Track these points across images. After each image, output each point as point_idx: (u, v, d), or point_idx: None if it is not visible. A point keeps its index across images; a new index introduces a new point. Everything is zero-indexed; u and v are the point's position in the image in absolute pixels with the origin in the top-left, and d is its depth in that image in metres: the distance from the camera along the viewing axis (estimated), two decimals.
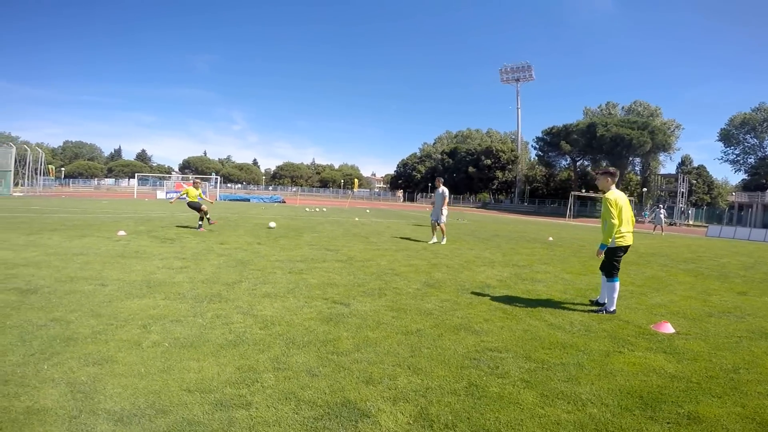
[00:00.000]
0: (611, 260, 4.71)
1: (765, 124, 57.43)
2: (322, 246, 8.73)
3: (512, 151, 69.27)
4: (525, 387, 2.71)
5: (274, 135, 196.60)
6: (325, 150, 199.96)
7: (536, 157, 72.20)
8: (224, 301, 4.17)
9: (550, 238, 15.23)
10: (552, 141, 61.49)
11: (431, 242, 10.58)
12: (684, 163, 64.28)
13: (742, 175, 63.36)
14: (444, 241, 10.57)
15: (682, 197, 52.04)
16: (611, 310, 4.70)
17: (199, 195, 11.19)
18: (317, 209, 28.03)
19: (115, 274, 5.07)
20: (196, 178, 12.77)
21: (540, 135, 64.58)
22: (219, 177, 49.85)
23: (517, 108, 70.99)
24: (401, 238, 11.68)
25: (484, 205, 69.36)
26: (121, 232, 8.97)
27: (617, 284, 4.71)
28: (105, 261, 5.88)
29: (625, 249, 4.76)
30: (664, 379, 2.95)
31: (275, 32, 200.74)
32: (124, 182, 77.78)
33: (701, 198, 60.21)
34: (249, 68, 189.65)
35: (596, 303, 5.06)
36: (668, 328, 4.19)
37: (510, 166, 68.97)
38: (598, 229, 25.76)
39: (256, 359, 2.81)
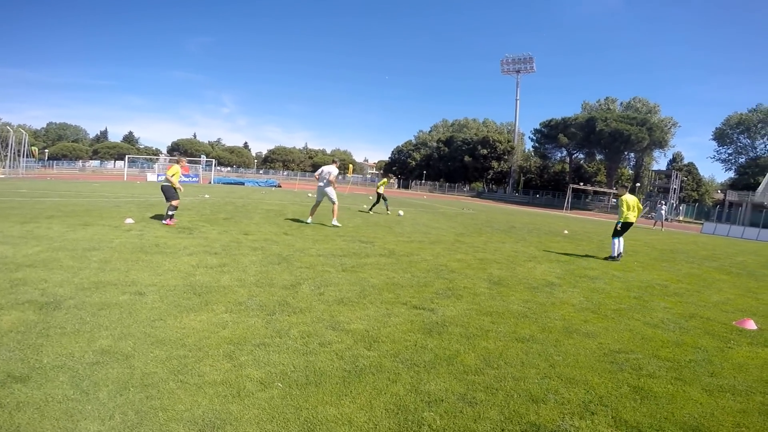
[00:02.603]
0: (617, 228, 8.33)
1: (760, 125, 58.56)
2: (353, 237, 8.36)
3: (509, 141, 69.20)
4: (683, 384, 2.80)
5: (263, 119, 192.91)
6: (316, 134, 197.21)
7: (532, 149, 72.33)
8: (298, 311, 3.61)
9: (566, 231, 15.19)
10: (549, 133, 61.54)
11: (308, 221, 10.07)
12: (675, 159, 65.16)
13: (730, 174, 64.79)
14: (335, 222, 9.75)
15: (674, 194, 52.95)
16: (614, 255, 8.24)
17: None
18: None
19: (146, 277, 4.28)
20: (180, 156, 9.98)
21: (538, 127, 64.70)
22: (213, 160, 48.45)
23: (516, 99, 70.75)
24: (423, 227, 11.41)
25: (479, 195, 69.48)
26: (129, 220, 8.13)
27: (616, 240, 8.28)
28: (126, 258, 5.06)
29: (628, 225, 8.34)
30: None
31: (271, 19, 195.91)
32: (110, 164, 75.29)
33: (690, 195, 61.30)
34: (241, 52, 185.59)
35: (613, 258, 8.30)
36: (752, 325, 4.36)
37: (506, 157, 68.99)
38: (602, 222, 26.86)
39: (396, 393, 2.38)
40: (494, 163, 68.49)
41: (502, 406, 2.33)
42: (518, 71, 69.16)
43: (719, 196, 65.12)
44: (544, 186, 69.19)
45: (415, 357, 2.88)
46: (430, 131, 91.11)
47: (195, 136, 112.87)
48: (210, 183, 36.26)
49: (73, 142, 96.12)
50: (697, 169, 64.86)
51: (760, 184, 47.28)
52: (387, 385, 2.48)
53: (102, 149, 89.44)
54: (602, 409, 2.37)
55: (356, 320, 3.51)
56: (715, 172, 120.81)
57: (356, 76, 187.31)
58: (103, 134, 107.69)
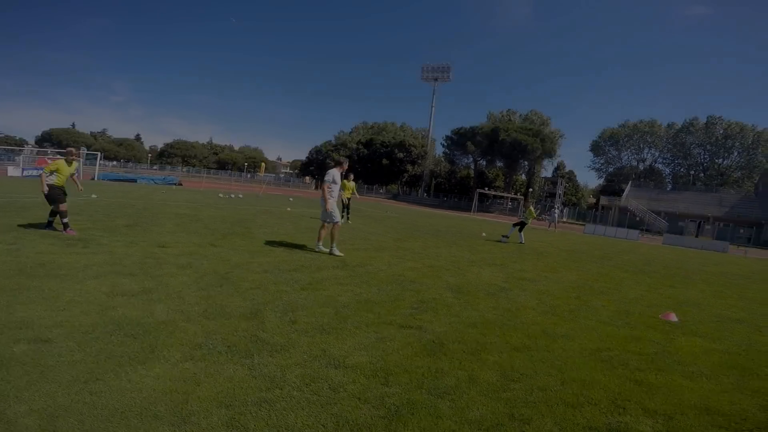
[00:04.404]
0: (522, 224, 13.85)
1: (626, 139, 70.60)
2: (292, 247, 7.69)
3: (423, 146, 72.41)
4: (666, 374, 3.19)
5: (162, 109, 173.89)
6: (223, 129, 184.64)
7: (442, 154, 76.76)
8: (280, 349, 2.96)
9: (484, 234, 16.27)
10: (459, 141, 65.90)
11: (319, 249, 7.36)
12: (559, 168, 75.08)
13: (600, 181, 76.85)
14: (335, 250, 7.19)
15: (559, 198, 61.05)
16: (522, 242, 13.49)
17: (71, 175, 7.25)
18: (232, 195, 25.38)
19: (43, 314, 3.11)
20: (71, 147, 7.51)
21: (449, 134, 68.82)
22: (98, 153, 41.59)
23: (432, 106, 74.11)
24: (360, 232, 11.16)
25: (394, 197, 71.49)
26: None
27: (516, 230, 13.82)
28: (2, 286, 3.68)
29: (525, 223, 13.93)
30: (728, 354, 3.87)
31: (177, 3, 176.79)
32: None
33: (570, 199, 71.15)
34: (140, 38, 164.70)
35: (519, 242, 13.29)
36: (674, 317, 5.02)
37: (419, 161, 72.09)
38: (509, 225, 29.26)
39: (449, 429, 2.18)
40: (409, 167, 71.11)
41: (552, 415, 2.37)
42: (436, 79, 72.56)
43: (592, 200, 76.99)
44: (451, 189, 74.05)
45: (438, 384, 2.67)
46: (350, 132, 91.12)
47: (74, 125, 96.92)
48: (93, 179, 31.05)
49: None
50: (575, 176, 75.69)
51: (624, 190, 56.83)
52: (434, 422, 2.22)
53: None
54: (628, 404, 2.59)
55: (353, 352, 3.06)
56: (589, 179, 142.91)
57: (269, 67, 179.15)
58: None
